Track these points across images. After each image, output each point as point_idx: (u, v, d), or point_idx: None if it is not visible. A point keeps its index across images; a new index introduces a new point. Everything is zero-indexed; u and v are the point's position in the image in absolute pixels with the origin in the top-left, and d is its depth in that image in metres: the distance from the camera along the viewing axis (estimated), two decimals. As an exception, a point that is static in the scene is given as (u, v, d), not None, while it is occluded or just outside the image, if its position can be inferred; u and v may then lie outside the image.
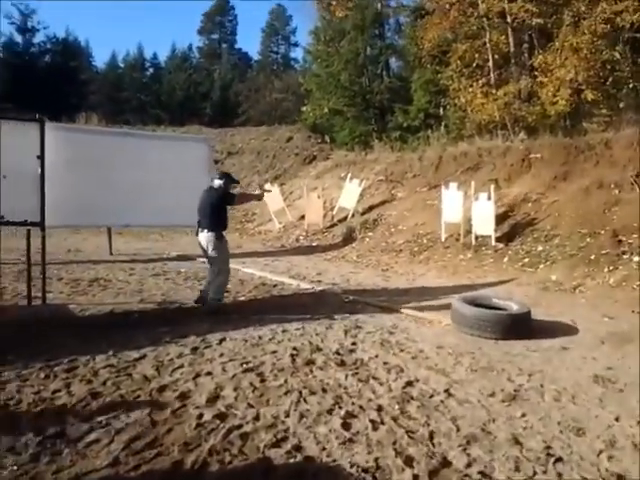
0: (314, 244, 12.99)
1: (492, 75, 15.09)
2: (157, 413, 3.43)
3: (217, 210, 6.19)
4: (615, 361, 4.79)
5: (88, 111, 25.43)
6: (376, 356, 4.77)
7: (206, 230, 6.11)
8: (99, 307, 6.29)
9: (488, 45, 14.88)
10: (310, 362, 4.55)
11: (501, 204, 11.12)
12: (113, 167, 6.56)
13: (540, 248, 9.42)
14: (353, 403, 3.70)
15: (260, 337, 5.26)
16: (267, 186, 11.37)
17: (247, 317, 5.98)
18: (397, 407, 3.65)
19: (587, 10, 11.89)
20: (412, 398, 3.83)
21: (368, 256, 11.14)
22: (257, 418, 3.41)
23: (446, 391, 3.99)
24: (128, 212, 6.65)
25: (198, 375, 4.16)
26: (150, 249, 11.94)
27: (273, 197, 13.09)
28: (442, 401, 3.80)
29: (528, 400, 3.86)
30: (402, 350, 4.98)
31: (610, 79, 11.85)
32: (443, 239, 10.78)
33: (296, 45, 59.22)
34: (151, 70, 49.66)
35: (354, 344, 5.13)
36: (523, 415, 3.59)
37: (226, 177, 6.46)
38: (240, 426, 3.29)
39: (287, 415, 3.47)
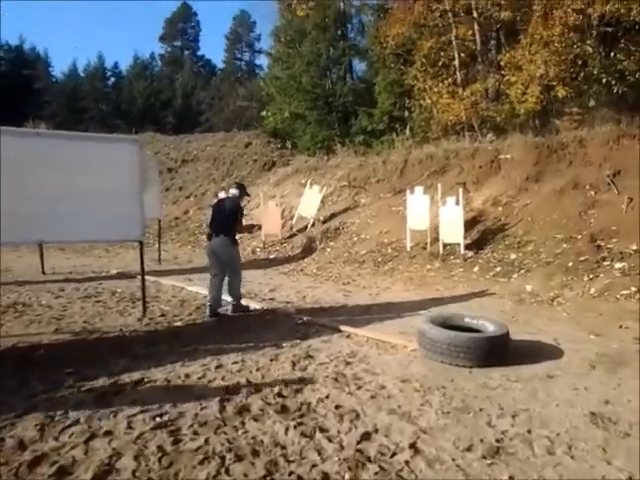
0: (271, 256, 12.06)
1: (458, 74, 14.50)
2: (14, 506, 2.48)
3: (232, 217, 6.52)
4: (611, 392, 4.04)
5: (36, 120, 23.96)
6: (327, 397, 3.89)
7: (222, 235, 6.45)
8: (2, 341, 5.25)
9: (454, 42, 14.28)
10: (244, 409, 3.64)
11: (470, 209, 10.45)
12: (20, 173, 5.49)
13: (513, 256, 8.75)
14: (291, 473, 2.81)
15: (187, 376, 4.31)
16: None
17: (177, 349, 5.03)
18: (348, 477, 2.77)
19: (558, 0, 11.37)
20: (369, 460, 2.96)
21: (329, 268, 10.27)
22: (154, 506, 2.49)
23: (412, 446, 3.13)
24: (41, 225, 5.58)
25: (93, 436, 3.18)
26: (89, 266, 10.80)
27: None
28: (407, 462, 2.95)
29: (514, 454, 3.05)
30: (359, 387, 4.11)
31: (582, 75, 11.32)
32: (409, 248, 10.02)
33: (260, 52, 58.45)
34: (112, 79, 48.59)
35: (302, 381, 4.24)
36: (510, 479, 2.77)
37: (242, 189, 6.97)
38: (126, 523, 2.36)
39: (198, 499, 2.56)
